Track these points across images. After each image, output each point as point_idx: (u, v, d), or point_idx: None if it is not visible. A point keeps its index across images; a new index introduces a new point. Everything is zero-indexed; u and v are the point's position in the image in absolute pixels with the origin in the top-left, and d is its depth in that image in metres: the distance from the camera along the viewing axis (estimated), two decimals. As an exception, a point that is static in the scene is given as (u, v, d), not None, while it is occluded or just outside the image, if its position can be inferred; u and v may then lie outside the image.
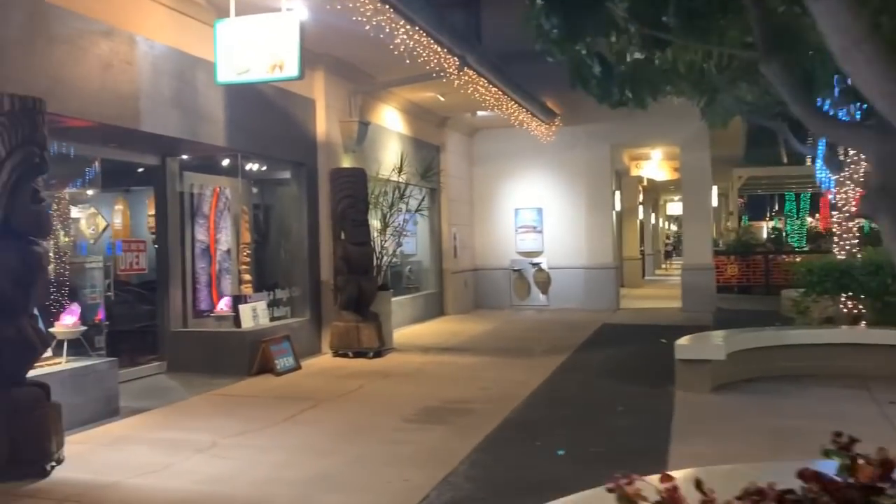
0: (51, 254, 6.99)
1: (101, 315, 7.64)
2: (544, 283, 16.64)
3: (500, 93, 12.17)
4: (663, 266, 34.65)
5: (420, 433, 6.24)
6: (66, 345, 6.67)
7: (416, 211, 12.48)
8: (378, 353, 10.07)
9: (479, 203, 17.25)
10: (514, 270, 16.85)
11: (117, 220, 10.97)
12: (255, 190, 11.10)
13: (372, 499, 4.70)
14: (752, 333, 8.31)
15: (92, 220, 9.29)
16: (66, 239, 7.97)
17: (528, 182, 16.80)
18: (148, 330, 9.39)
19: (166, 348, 9.05)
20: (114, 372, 6.92)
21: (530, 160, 16.59)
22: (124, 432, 6.32)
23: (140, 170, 9.55)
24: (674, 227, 47.17)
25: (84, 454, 5.60)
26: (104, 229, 9.59)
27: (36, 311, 5.74)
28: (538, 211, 16.74)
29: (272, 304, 10.14)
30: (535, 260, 16.70)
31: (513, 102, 12.94)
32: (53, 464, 5.22)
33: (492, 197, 17.13)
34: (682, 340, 7.90)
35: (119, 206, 11.23)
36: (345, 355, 10.08)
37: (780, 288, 17.28)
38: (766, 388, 7.65)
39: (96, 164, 8.19)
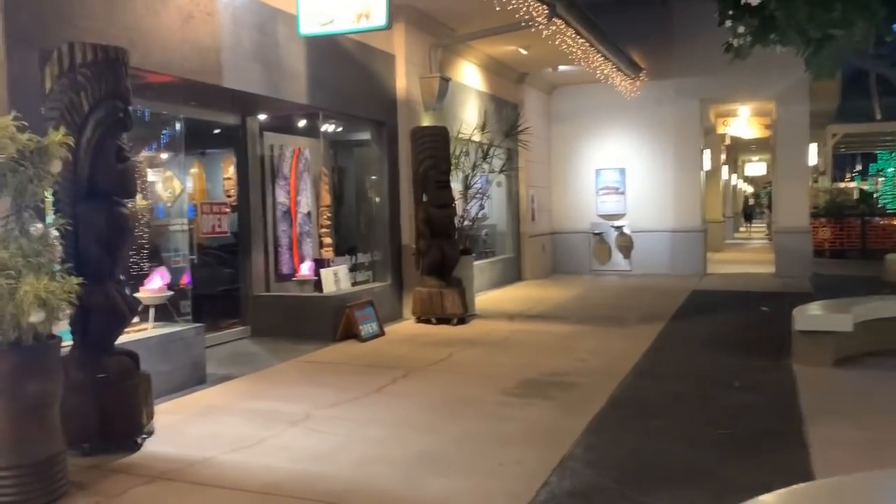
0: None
1: (186, 279, 7.40)
2: (626, 247, 15.92)
3: (587, 44, 11.46)
4: (742, 229, 33.39)
5: (523, 408, 5.79)
6: (152, 311, 6.44)
7: (501, 171, 11.94)
8: (462, 320, 9.68)
9: (558, 164, 16.54)
10: (595, 234, 16.17)
11: (191, 184, 10.74)
12: (331, 151, 10.73)
13: (486, 483, 4.27)
14: (882, 302, 7.54)
15: (168, 184, 9.07)
16: (145, 202, 7.75)
17: (610, 141, 16.02)
18: (230, 294, 9.17)
19: (249, 313, 8.82)
20: (201, 338, 6.68)
21: (612, 118, 15.80)
22: (214, 401, 6.06)
23: (216, 131, 9.27)
24: (750, 189, 45.39)
25: (174, 426, 5.34)
26: (181, 193, 9.37)
27: (121, 277, 5.47)
28: (621, 171, 15.96)
29: (353, 269, 9.82)
30: (617, 223, 15.97)
31: (599, 55, 12.21)
32: (144, 436, 4.97)
33: (571, 157, 16.40)
34: (802, 309, 7.23)
35: (194, 170, 11.00)
36: (427, 321, 9.72)
37: (879, 252, 16.28)
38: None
39: (176, 125, 7.90)
